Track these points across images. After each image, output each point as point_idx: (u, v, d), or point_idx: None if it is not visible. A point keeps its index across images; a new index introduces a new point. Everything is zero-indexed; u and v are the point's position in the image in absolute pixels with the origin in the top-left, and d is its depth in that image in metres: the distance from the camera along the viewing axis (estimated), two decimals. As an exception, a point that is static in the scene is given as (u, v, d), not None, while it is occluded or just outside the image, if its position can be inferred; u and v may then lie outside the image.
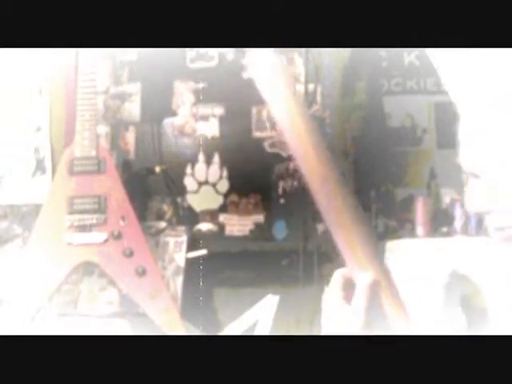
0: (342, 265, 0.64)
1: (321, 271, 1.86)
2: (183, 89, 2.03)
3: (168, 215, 2.04)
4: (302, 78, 2.00)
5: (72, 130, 1.78)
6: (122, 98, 2.04)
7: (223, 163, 2.02)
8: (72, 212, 1.69)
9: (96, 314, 1.72)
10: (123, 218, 1.74)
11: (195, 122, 2.03)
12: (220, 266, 1.95)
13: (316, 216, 1.85)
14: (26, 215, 1.94)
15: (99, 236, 1.68)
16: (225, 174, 2.01)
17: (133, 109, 2.05)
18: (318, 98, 2.00)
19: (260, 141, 2.01)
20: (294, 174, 1.98)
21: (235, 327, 1.79)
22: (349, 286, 0.65)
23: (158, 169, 2.00)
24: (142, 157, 2.05)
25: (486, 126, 0.87)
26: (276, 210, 2.02)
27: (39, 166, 1.99)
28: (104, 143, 1.95)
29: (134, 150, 2.05)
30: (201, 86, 2.02)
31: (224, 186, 2.02)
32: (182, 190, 2.03)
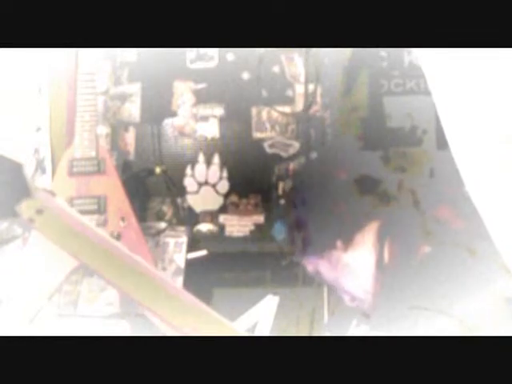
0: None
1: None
2: (183, 89, 2.03)
3: (168, 216, 2.04)
4: (302, 78, 2.00)
5: (72, 130, 1.78)
6: (122, 98, 2.04)
7: (223, 164, 2.02)
8: (72, 213, 1.69)
9: (96, 315, 1.72)
10: (123, 219, 1.74)
11: (195, 122, 2.03)
12: (220, 266, 1.94)
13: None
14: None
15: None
16: (225, 174, 2.01)
17: (133, 109, 2.04)
18: (318, 98, 2.01)
19: (260, 141, 2.01)
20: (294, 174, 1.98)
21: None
22: None
23: (157, 169, 2.00)
24: (142, 157, 2.05)
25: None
26: (276, 211, 2.02)
27: (39, 167, 1.99)
28: (104, 144, 1.94)
29: (134, 151, 2.05)
30: (201, 86, 2.02)
31: (224, 186, 2.02)
32: (182, 191, 2.03)
